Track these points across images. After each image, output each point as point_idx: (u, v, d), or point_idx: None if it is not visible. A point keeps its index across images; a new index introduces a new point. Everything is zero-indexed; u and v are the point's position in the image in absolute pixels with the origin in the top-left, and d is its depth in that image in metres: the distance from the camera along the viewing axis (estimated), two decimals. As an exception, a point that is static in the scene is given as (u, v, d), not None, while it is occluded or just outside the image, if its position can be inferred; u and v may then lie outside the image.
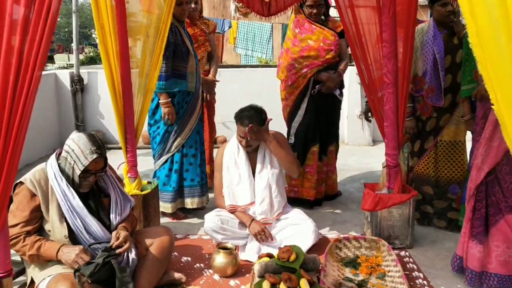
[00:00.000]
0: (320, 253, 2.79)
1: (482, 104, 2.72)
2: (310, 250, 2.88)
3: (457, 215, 3.31)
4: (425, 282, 2.65)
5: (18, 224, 2.15)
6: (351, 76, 6.13)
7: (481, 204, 2.54)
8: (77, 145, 2.20)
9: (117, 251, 2.19)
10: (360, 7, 3.01)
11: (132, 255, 2.36)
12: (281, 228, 3.06)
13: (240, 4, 4.31)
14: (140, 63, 3.13)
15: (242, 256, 2.93)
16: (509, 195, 2.47)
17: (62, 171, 2.23)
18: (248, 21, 11.36)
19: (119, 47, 2.92)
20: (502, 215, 2.49)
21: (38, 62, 1.72)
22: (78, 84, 6.37)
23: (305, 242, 2.88)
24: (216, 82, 4.18)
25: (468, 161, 3.22)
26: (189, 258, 2.96)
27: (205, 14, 12.58)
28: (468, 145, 3.15)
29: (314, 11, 3.69)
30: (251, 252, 2.95)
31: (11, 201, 2.16)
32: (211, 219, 2.98)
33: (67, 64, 14.90)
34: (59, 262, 2.17)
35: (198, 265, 2.87)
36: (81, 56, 13.21)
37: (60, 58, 17.62)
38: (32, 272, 2.23)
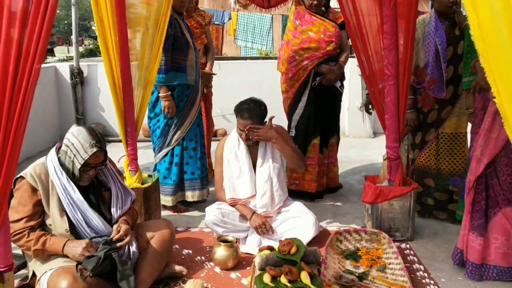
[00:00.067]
0: (321, 246, 2.80)
1: (481, 95, 2.71)
2: (311, 242, 2.89)
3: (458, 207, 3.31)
4: (425, 274, 2.66)
5: (21, 219, 2.16)
6: (351, 68, 6.11)
7: (480, 196, 2.54)
8: (76, 138, 2.19)
9: (118, 244, 2.20)
10: (361, -2, 2.99)
11: (133, 248, 2.37)
12: (281, 221, 3.06)
13: (240, -5, 4.29)
14: (139, 55, 3.11)
15: (243, 249, 2.93)
16: (506, 188, 2.47)
17: (62, 165, 2.23)
18: (248, 13, 11.30)
19: (118, 40, 2.91)
20: (499, 208, 2.50)
21: (37, 55, 1.71)
22: (78, 77, 6.35)
23: (305, 235, 2.88)
24: (213, 75, 4.16)
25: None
26: (190, 251, 2.97)
27: (205, 5, 12.53)
28: (469, 137, 3.15)
29: (315, 2, 3.66)
30: (252, 245, 2.96)
31: (11, 196, 2.16)
32: (212, 212, 2.98)
33: (67, 57, 14.85)
34: (61, 255, 2.18)
35: (199, 258, 2.88)
36: (81, 49, 13.14)
37: (60, 51, 17.54)
38: (34, 265, 2.24)
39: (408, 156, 3.57)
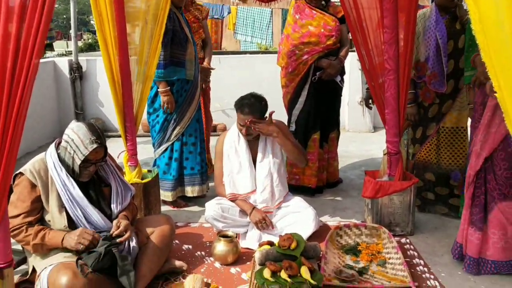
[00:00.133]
0: (321, 241, 2.80)
1: (481, 90, 2.70)
2: (311, 237, 2.89)
3: (459, 201, 3.31)
4: (425, 269, 2.66)
5: (20, 215, 2.15)
6: (352, 62, 6.09)
7: (480, 191, 2.54)
8: (76, 134, 2.18)
9: (118, 240, 2.20)
10: (361, -8, 2.97)
11: (133, 243, 2.37)
12: (281, 216, 3.06)
13: (240, -11, 4.25)
14: (138, 50, 3.09)
15: (243, 244, 2.93)
16: (502, 182, 2.47)
17: (61, 161, 2.22)
18: (247, 7, 11.23)
19: (117, 34, 2.89)
20: (495, 203, 2.50)
21: (35, 50, 1.69)
22: (77, 72, 6.33)
23: (305, 229, 2.88)
24: (211, 70, 4.14)
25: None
26: (190, 246, 2.97)
27: (204, -1, 12.43)
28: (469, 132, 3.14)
29: (315, -4, 3.65)
30: (252, 240, 2.96)
31: (11, 191, 2.16)
32: (212, 207, 2.98)
33: (65, 51, 14.80)
34: (61, 250, 2.18)
35: (199, 253, 2.88)
36: (80, 43, 13.09)
37: (58, 45, 17.48)
38: (34, 261, 2.24)
39: (407, 150, 3.57)
